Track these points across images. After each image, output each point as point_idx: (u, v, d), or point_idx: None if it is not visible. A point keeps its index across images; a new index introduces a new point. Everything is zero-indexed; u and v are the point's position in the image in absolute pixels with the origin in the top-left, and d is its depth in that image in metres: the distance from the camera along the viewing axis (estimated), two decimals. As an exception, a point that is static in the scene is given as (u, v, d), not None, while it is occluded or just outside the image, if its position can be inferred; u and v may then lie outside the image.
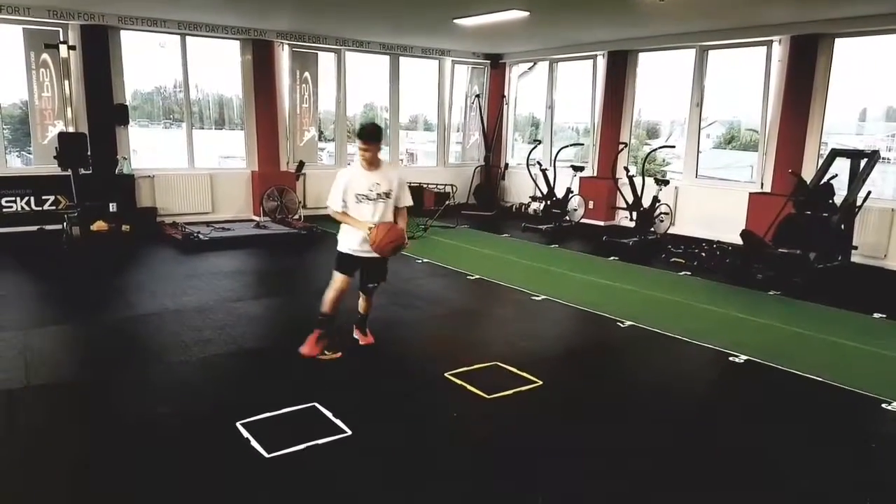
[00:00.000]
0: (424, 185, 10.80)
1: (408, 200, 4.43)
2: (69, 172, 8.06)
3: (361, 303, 4.66)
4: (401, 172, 4.55)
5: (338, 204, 4.23)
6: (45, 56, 8.75)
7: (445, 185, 10.88)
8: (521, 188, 12.22)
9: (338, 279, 4.33)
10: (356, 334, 4.74)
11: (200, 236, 8.37)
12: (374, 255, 4.29)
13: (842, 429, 3.73)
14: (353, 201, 4.22)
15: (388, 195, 4.27)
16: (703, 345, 4.91)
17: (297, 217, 10.26)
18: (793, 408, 3.97)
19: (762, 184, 9.07)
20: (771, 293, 6.50)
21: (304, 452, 3.16)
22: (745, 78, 9.62)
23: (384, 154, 12.25)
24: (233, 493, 2.85)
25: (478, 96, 12.84)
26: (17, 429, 3.42)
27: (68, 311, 5.56)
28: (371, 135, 4.15)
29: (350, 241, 4.31)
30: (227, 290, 6.25)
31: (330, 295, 4.33)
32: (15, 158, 9.33)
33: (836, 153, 7.64)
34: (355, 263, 4.37)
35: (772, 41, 8.86)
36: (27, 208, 8.76)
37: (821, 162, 7.90)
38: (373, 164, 4.22)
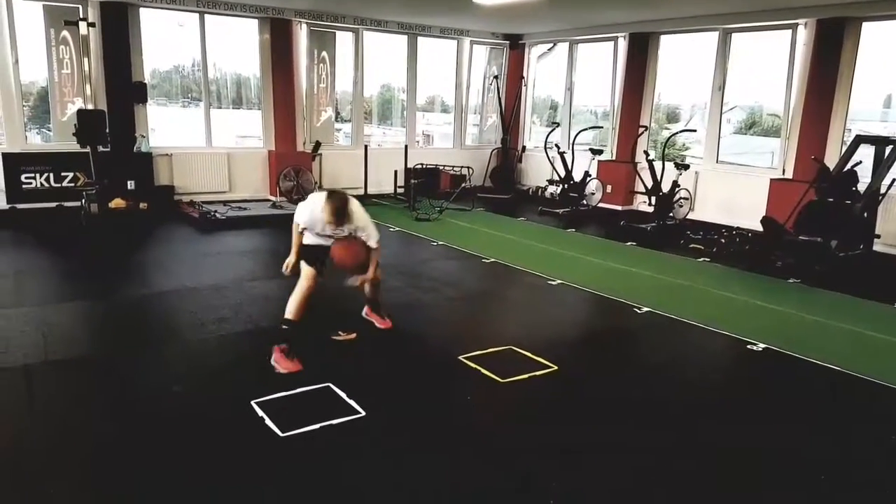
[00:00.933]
0: (441, 168, 10.75)
1: (374, 241, 4.15)
2: (88, 150, 8.10)
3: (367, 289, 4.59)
4: (362, 214, 4.15)
5: (300, 225, 4.08)
6: (64, 33, 8.77)
7: (462, 167, 10.78)
8: (538, 171, 12.12)
9: (305, 273, 4.09)
10: (369, 315, 4.72)
11: (217, 215, 8.40)
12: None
13: (863, 419, 3.67)
14: (314, 235, 4.10)
15: (350, 235, 4.10)
16: (721, 332, 4.86)
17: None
18: (812, 397, 3.92)
19: (784, 170, 8.92)
20: (791, 281, 6.41)
21: (317, 432, 3.17)
22: (769, 62, 9.42)
23: (399, 135, 12.21)
24: (247, 471, 2.87)
25: (496, 77, 12.70)
26: (34, 404, 3.47)
27: (86, 288, 5.61)
28: (340, 214, 3.90)
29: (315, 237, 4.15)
30: (244, 269, 6.28)
31: (293, 295, 4.07)
32: (35, 135, 9.39)
33: (860, 140, 7.47)
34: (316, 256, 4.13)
35: (797, 24, 8.65)
36: (46, 185, 8.83)
37: (844, 148, 7.74)
38: (339, 225, 4.00)
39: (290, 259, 4.16)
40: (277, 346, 3.93)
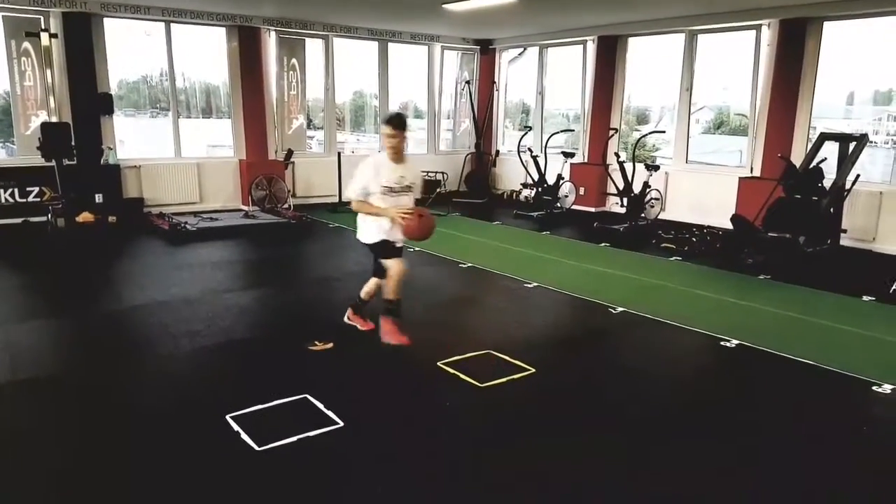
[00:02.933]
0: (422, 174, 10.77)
1: (419, 193, 4.46)
2: (53, 163, 7.94)
3: (370, 288, 4.60)
4: (418, 166, 4.55)
5: (358, 193, 4.16)
6: (26, 44, 8.58)
7: (436, 172, 10.81)
8: (512, 175, 12.18)
9: (392, 264, 4.24)
10: (353, 319, 4.69)
11: (188, 227, 8.28)
12: (399, 244, 4.34)
13: (833, 411, 3.74)
14: (378, 192, 4.14)
15: (410, 189, 4.26)
16: (695, 330, 4.92)
17: (286, 206, 10.17)
18: (784, 391, 3.98)
19: (752, 168, 9.08)
20: (761, 277, 6.52)
21: (295, 445, 3.13)
22: (734, 62, 9.59)
23: (373, 142, 12.18)
24: (223, 487, 2.82)
25: (468, 82, 12.75)
26: (1, 425, 3.37)
27: (54, 305, 5.49)
28: (398, 121, 4.14)
29: (381, 230, 4.23)
30: (216, 280, 6.20)
31: (393, 282, 4.26)
32: (-3, 150, 9.19)
33: (824, 137, 7.65)
34: (393, 247, 4.32)
35: (761, 25, 8.82)
36: (11, 200, 8.62)
37: (810, 146, 7.91)
38: (399, 154, 4.18)
39: (390, 212, 4.13)
40: (390, 320, 4.30)
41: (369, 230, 4.30)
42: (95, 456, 3.07)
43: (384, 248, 4.29)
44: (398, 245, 4.37)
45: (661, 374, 4.23)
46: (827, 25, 8.30)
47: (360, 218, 4.34)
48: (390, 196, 4.18)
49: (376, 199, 4.17)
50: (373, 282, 4.58)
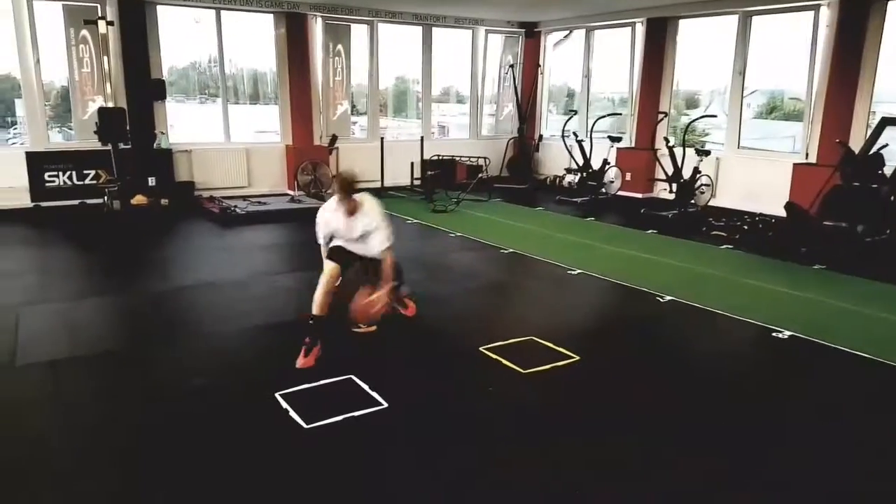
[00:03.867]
0: (457, 158, 10.71)
1: (385, 242, 4.04)
2: (109, 147, 8.20)
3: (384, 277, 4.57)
4: (376, 206, 4.14)
5: (322, 242, 4.25)
6: (84, 32, 8.86)
7: (478, 157, 10.74)
8: (555, 160, 12.03)
9: (328, 267, 4.10)
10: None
11: (237, 210, 8.46)
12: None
13: (891, 407, 3.61)
14: (337, 238, 4.18)
15: (366, 234, 4.08)
16: (746, 320, 4.80)
17: (330, 191, 10.29)
18: (839, 385, 3.86)
19: (807, 154, 8.76)
20: (816, 267, 6.31)
21: (340, 424, 3.19)
22: (790, 45, 9.24)
23: (413, 127, 12.19)
24: (272, 462, 2.89)
25: (512, 66, 12.62)
26: (61, 398, 3.52)
27: (109, 284, 5.69)
28: (345, 190, 3.95)
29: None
30: (264, 263, 6.32)
31: (318, 289, 4.08)
32: (56, 134, 9.52)
33: (886, 121, 7.29)
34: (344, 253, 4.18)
35: (819, 5, 8.47)
36: (69, 182, 8.95)
37: (870, 131, 7.58)
38: (352, 213, 4.04)
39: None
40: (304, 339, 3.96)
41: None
42: (149, 432, 3.18)
43: (332, 250, 4.19)
44: (355, 256, 4.19)
45: (709, 366, 4.15)
46: (892, 5, 7.91)
47: None
48: (348, 243, 4.14)
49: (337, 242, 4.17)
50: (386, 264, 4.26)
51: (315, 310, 4.01)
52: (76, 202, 8.86)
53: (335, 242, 4.20)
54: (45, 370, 3.79)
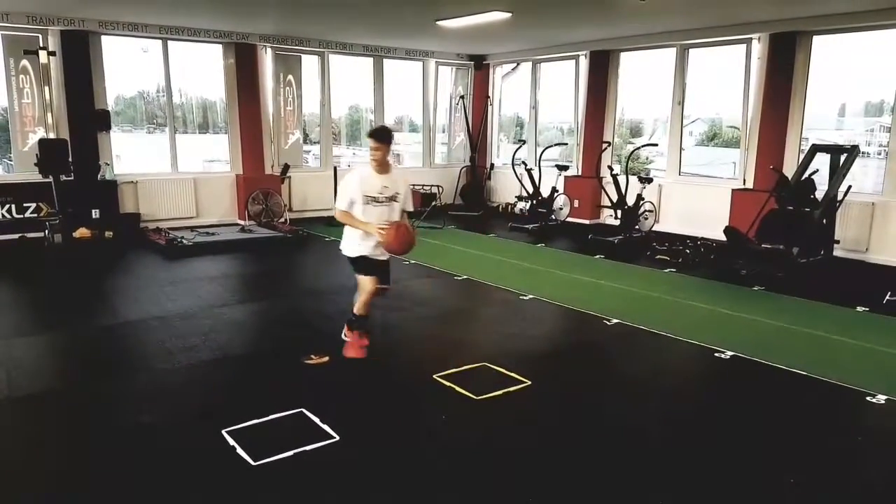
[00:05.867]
0: (411, 186, 10.81)
1: (410, 205, 4.49)
2: (50, 179, 7.98)
3: (360, 301, 4.60)
4: (407, 176, 4.61)
5: (343, 204, 4.26)
6: (24, 62, 8.64)
7: (432, 185, 10.88)
8: (507, 188, 12.24)
9: (365, 281, 4.33)
10: (349, 336, 4.69)
11: (184, 241, 8.30)
12: (384, 258, 4.39)
13: (827, 422, 3.77)
14: (361, 203, 4.21)
15: (395, 199, 4.30)
16: (690, 341, 4.95)
17: (282, 220, 10.21)
18: (779, 403, 4.01)
19: (744, 180, 9.15)
20: (755, 288, 6.56)
21: (291, 459, 3.14)
22: (726, 75, 9.69)
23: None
24: (218, 502, 2.83)
25: (462, 97, 12.85)
26: (-1, 441, 3.38)
27: (51, 320, 5.50)
28: (382, 135, 4.23)
29: (362, 245, 4.30)
30: (212, 295, 6.21)
31: (363, 298, 4.37)
32: (-6, 166, 9.23)
33: (816, 148, 7.72)
34: (373, 264, 4.36)
35: (751, 39, 8.93)
36: (8, 216, 8.64)
37: (802, 157, 7.98)
38: (383, 165, 4.27)
39: (370, 227, 4.16)
40: (351, 332, 4.41)
41: (351, 243, 4.38)
42: (92, 471, 3.07)
43: (361, 264, 4.34)
44: (382, 258, 4.39)
45: (656, 386, 4.26)
46: (816, 39, 8.41)
47: (346, 230, 4.41)
48: (374, 206, 4.22)
49: (360, 210, 4.22)
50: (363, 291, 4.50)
51: (359, 311, 4.39)
52: (16, 236, 8.56)
53: (358, 205, 4.19)
54: (-21, 413, 3.63)
